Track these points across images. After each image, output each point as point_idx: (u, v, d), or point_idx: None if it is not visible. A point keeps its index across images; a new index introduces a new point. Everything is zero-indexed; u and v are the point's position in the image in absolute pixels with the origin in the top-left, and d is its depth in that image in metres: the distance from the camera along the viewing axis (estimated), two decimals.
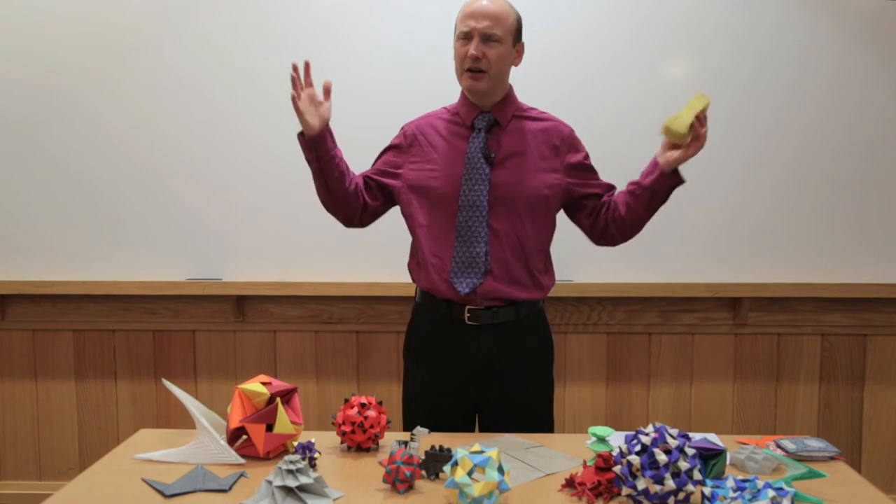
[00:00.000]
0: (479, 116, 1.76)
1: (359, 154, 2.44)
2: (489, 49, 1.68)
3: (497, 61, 1.70)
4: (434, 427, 1.63)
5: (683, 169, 1.68)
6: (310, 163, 1.73)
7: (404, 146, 1.82)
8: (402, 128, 1.87)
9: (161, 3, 2.46)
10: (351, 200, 1.78)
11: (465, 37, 1.70)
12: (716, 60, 2.44)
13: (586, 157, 1.83)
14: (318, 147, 1.70)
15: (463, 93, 1.80)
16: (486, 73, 1.70)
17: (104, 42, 2.48)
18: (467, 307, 1.73)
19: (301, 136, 1.71)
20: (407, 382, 1.87)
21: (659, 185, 1.70)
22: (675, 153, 1.66)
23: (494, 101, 1.76)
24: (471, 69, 1.70)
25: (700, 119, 1.63)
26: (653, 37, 2.44)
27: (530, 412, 1.80)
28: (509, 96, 1.79)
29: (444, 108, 1.85)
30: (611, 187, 1.85)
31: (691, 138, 1.63)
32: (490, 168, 1.72)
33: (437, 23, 2.28)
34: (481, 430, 1.81)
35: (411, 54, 2.44)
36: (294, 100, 1.65)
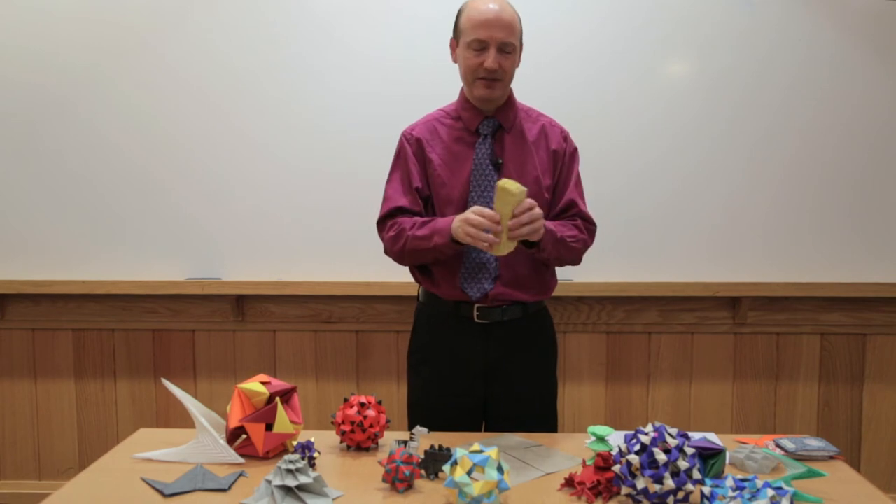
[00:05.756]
0: (484, 122, 1.74)
1: (358, 153, 2.46)
2: (505, 59, 1.67)
3: (511, 70, 1.70)
4: (440, 428, 1.63)
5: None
6: (443, 252, 1.65)
7: (415, 152, 1.77)
8: (403, 134, 1.81)
9: (160, 3, 2.46)
10: None
11: (480, 46, 1.66)
12: (716, 60, 2.44)
13: (577, 171, 1.81)
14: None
15: (464, 96, 1.77)
16: (502, 81, 1.69)
17: (103, 42, 2.47)
18: (476, 305, 1.73)
19: (455, 241, 1.62)
20: (412, 383, 1.86)
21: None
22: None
23: (499, 105, 1.75)
24: (485, 77, 1.67)
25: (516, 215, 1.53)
26: (653, 37, 2.44)
27: (536, 410, 1.80)
28: (511, 98, 1.78)
29: (441, 109, 1.82)
30: (574, 210, 1.80)
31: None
32: (498, 174, 1.71)
33: (437, 23, 2.28)
34: (487, 430, 1.81)
35: (411, 54, 2.44)
36: (478, 240, 1.54)
